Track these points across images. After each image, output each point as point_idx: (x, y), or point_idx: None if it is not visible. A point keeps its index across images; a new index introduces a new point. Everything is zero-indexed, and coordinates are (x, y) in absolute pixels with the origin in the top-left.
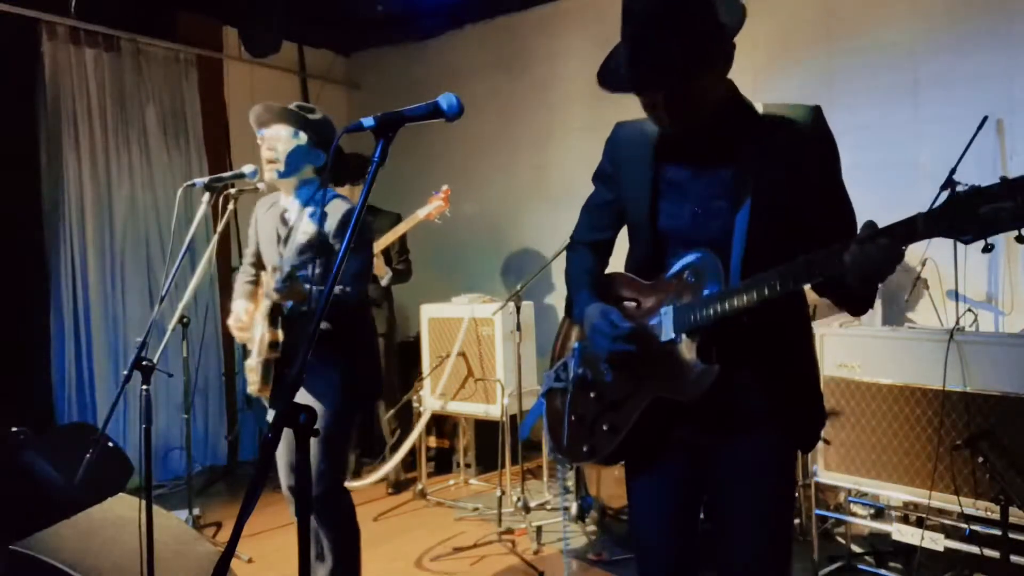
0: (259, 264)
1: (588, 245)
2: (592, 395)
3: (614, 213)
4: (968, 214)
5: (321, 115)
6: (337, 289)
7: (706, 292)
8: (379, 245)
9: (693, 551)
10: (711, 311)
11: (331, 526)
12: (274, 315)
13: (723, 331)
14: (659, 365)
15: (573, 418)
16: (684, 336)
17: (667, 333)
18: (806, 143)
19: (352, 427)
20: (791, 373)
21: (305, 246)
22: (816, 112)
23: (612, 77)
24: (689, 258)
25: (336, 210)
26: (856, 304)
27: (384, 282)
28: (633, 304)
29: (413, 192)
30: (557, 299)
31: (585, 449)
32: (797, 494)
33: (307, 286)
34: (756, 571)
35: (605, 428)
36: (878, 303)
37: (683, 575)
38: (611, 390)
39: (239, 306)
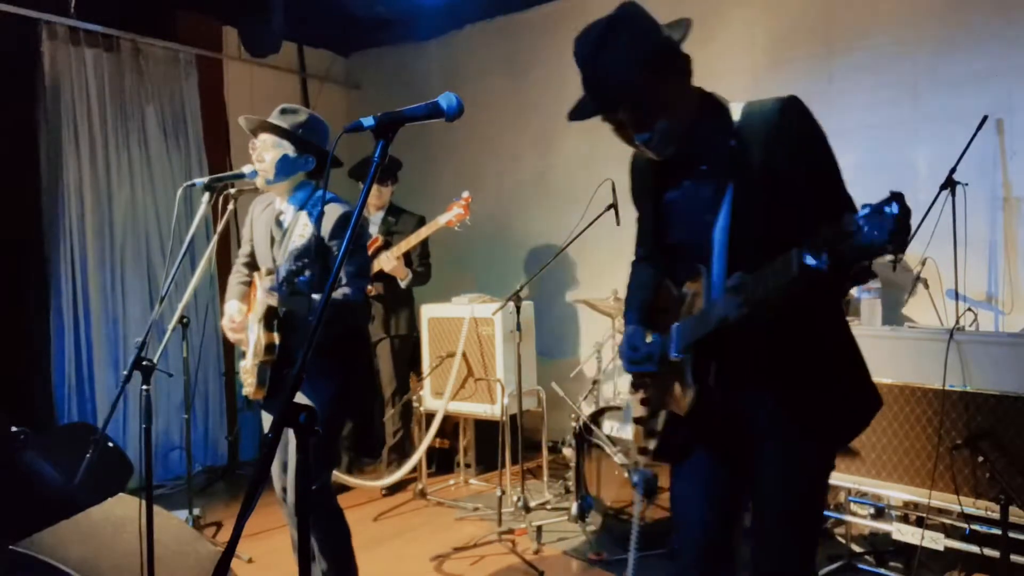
0: (252, 264)
1: (641, 259)
2: (642, 400)
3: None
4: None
5: (305, 116)
6: (338, 293)
7: (698, 311)
8: (401, 248)
9: (730, 532)
10: (694, 331)
11: (316, 529)
12: (270, 318)
13: (726, 348)
14: (668, 381)
15: (637, 422)
16: (684, 354)
17: (673, 351)
18: (778, 135)
19: (339, 436)
20: (809, 382)
21: (302, 251)
22: (785, 101)
23: (576, 109)
24: (689, 276)
25: (332, 212)
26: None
27: (404, 284)
28: (665, 312)
29: (413, 192)
30: (557, 299)
31: (640, 449)
32: None
33: (306, 293)
34: (775, 565)
35: (647, 431)
36: (878, 303)
37: (717, 553)
38: (650, 400)
39: (232, 307)
